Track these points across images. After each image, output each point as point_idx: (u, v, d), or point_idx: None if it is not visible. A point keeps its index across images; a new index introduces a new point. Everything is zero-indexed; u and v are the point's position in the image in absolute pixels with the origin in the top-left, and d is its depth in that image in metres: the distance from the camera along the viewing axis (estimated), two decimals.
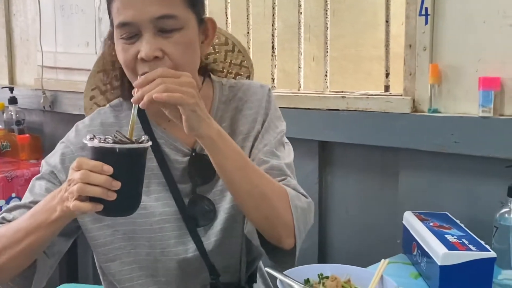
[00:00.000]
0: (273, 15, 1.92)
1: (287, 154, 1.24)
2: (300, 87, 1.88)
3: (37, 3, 2.73)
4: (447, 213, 1.42)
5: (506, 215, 1.18)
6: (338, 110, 1.67)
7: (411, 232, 1.35)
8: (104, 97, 1.31)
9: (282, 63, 2.09)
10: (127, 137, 0.98)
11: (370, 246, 1.69)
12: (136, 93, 1.00)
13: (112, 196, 0.94)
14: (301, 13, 1.85)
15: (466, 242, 1.19)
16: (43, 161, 1.21)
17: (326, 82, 1.80)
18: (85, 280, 2.65)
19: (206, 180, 1.20)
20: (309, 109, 1.75)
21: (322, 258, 1.81)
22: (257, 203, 1.09)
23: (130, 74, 1.11)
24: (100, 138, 0.96)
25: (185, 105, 0.99)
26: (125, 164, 0.95)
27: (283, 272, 1.08)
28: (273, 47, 1.94)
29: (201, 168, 1.19)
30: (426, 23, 1.47)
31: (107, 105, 1.27)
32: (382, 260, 1.18)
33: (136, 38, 1.08)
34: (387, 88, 1.66)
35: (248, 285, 1.26)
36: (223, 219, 1.19)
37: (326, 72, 1.80)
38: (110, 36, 1.17)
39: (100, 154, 0.95)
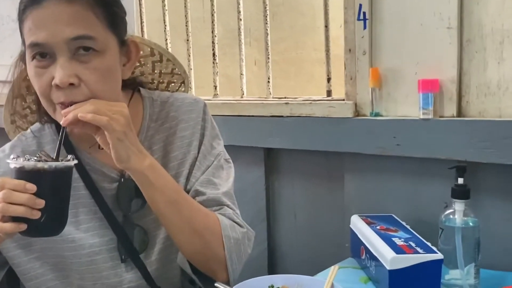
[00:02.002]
0: (212, 22, 1.90)
1: (226, 179, 1.20)
2: (243, 94, 1.86)
3: None
4: (393, 215, 1.44)
5: (451, 216, 1.20)
6: (282, 116, 1.66)
7: (359, 236, 1.35)
8: (26, 120, 1.24)
9: (224, 68, 2.07)
10: (52, 156, 0.96)
11: (320, 251, 1.69)
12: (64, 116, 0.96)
13: (36, 215, 0.91)
14: (240, 19, 1.83)
15: (413, 245, 1.20)
16: None
17: (269, 88, 1.79)
18: None
19: (137, 207, 1.15)
20: (253, 116, 1.73)
21: (272, 266, 1.80)
22: (188, 237, 1.08)
23: (46, 102, 1.03)
24: (24, 158, 0.94)
25: (110, 131, 0.96)
26: (49, 182, 0.93)
27: (233, 287, 1.06)
28: (214, 54, 1.91)
29: (132, 195, 1.14)
30: (365, 27, 1.48)
31: (29, 130, 1.20)
32: (332, 267, 1.17)
33: (49, 60, 1.00)
34: (329, 92, 1.67)
35: None
36: (159, 249, 1.16)
37: (269, 78, 1.79)
38: (22, 58, 1.08)
39: (24, 173, 0.92)
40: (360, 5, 1.48)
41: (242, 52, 1.86)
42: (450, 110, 1.39)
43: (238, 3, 1.83)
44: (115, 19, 1.06)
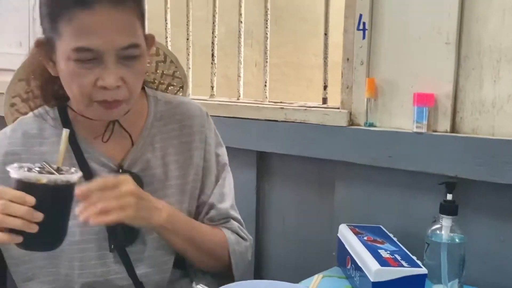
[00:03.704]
0: (213, 22, 1.90)
1: (230, 188, 1.31)
2: (240, 96, 1.86)
3: None
4: (381, 226, 1.44)
5: (438, 232, 1.20)
6: (276, 121, 1.66)
7: (346, 245, 1.35)
8: (26, 104, 1.25)
9: (224, 69, 2.07)
10: (55, 167, 0.95)
11: (307, 257, 1.69)
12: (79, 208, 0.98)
13: (34, 229, 0.90)
14: (241, 21, 1.83)
15: (399, 258, 1.20)
16: None
17: (266, 92, 1.79)
18: None
19: None
20: (248, 119, 1.74)
21: (258, 269, 1.80)
22: (199, 257, 1.21)
23: (82, 98, 1.05)
24: (27, 168, 0.93)
25: (127, 218, 1.02)
26: (50, 197, 0.92)
27: None
28: (212, 55, 1.91)
29: None
30: (364, 37, 1.48)
31: (30, 114, 1.21)
32: (316, 275, 1.18)
33: (94, 63, 1.02)
34: (325, 100, 1.67)
35: None
36: (150, 248, 1.18)
37: (266, 82, 1.79)
38: (39, 44, 1.09)
39: (24, 184, 0.91)
40: (361, 15, 1.48)
41: (241, 55, 1.86)
42: (444, 125, 1.39)
43: (240, 5, 1.83)
44: (145, 20, 1.11)
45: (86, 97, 1.05)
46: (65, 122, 1.14)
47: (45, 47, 1.08)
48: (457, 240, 1.19)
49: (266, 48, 1.79)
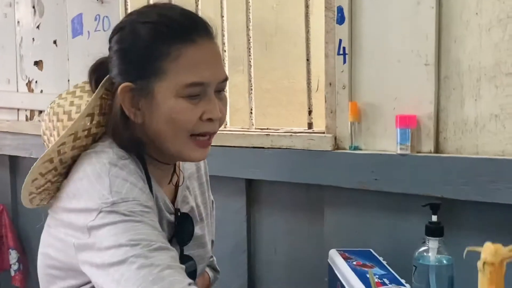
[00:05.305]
0: None
1: None
2: (227, 124, 1.87)
3: None
4: (371, 250, 1.43)
5: (425, 254, 1.20)
6: (263, 148, 1.67)
7: (335, 271, 1.34)
8: (86, 139, 1.09)
9: None
10: None
11: (299, 284, 1.68)
12: None
13: None
14: (225, 50, 1.84)
15: (387, 282, 1.20)
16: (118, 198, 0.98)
17: (252, 119, 1.80)
18: None
19: (189, 239, 1.23)
20: (235, 147, 1.74)
21: None
22: None
23: (183, 134, 1.05)
24: None
25: None
26: None
27: None
28: None
29: (185, 228, 1.21)
30: (345, 62, 1.49)
31: (111, 152, 1.06)
32: None
33: (199, 97, 1.05)
34: (310, 125, 1.67)
35: None
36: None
37: (251, 109, 1.80)
38: (126, 90, 1.05)
39: None
40: (340, 40, 1.49)
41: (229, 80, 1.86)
42: (427, 146, 1.39)
43: (223, 35, 1.84)
44: None
45: (186, 131, 1.05)
46: (144, 167, 1.11)
47: (132, 93, 1.05)
48: (444, 262, 1.19)
49: (250, 75, 1.80)
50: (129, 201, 0.96)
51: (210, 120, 1.06)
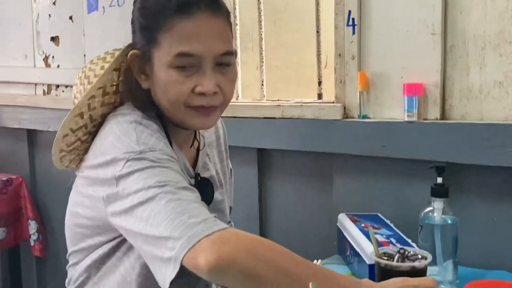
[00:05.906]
0: None
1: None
2: (238, 96, 1.92)
3: None
4: (378, 214, 1.48)
5: (430, 214, 1.25)
6: (274, 118, 1.72)
7: (344, 233, 1.40)
8: (105, 97, 1.14)
9: None
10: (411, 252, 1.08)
11: (309, 248, 1.73)
12: None
13: None
14: (236, 24, 1.89)
15: (394, 241, 1.25)
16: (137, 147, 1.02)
17: (263, 91, 1.85)
18: None
19: (208, 203, 1.22)
20: (247, 117, 1.79)
21: None
22: None
23: (178, 105, 1.08)
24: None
25: None
26: None
27: None
28: None
29: (205, 192, 1.21)
30: (354, 33, 1.54)
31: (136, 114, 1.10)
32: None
33: (192, 70, 1.06)
34: (320, 95, 1.72)
35: None
36: None
37: (263, 82, 1.85)
38: (133, 57, 1.10)
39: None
40: (350, 11, 1.53)
41: (238, 56, 1.92)
42: (434, 113, 1.44)
43: (234, 9, 1.89)
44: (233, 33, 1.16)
45: (180, 103, 1.07)
46: (164, 126, 1.14)
47: (139, 60, 1.11)
48: (449, 222, 1.24)
49: (262, 49, 1.85)
50: (156, 151, 1.02)
51: (202, 94, 1.06)
